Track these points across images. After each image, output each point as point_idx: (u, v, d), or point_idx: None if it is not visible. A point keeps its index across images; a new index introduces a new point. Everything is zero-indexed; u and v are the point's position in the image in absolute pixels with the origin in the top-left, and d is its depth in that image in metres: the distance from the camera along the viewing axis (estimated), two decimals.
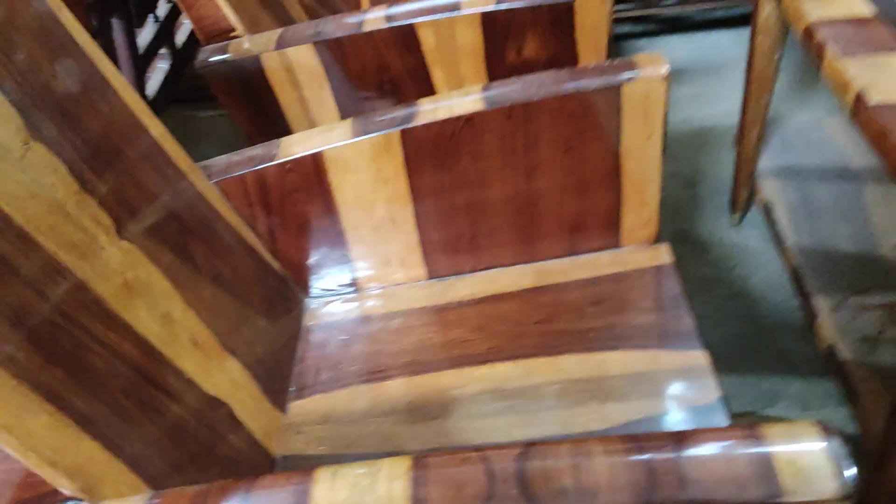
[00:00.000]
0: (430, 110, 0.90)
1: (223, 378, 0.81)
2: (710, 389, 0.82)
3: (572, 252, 1.02)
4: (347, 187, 0.94)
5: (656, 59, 0.89)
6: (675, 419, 0.81)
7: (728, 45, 2.00)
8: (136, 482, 0.64)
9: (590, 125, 0.91)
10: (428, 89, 1.17)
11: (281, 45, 1.13)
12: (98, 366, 0.66)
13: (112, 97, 0.79)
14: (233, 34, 1.18)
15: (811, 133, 1.46)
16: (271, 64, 1.15)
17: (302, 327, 1.01)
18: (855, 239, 1.23)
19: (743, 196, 1.42)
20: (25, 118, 0.67)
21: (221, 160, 0.95)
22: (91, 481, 0.60)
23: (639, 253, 1.00)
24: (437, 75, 1.16)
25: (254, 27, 1.21)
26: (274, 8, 1.31)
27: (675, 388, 0.83)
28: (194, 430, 0.74)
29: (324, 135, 0.92)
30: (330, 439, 0.86)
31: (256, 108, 1.20)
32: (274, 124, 1.22)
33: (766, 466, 0.48)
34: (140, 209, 0.78)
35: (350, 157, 0.92)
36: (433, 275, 1.03)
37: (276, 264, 0.99)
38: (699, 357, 0.85)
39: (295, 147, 0.92)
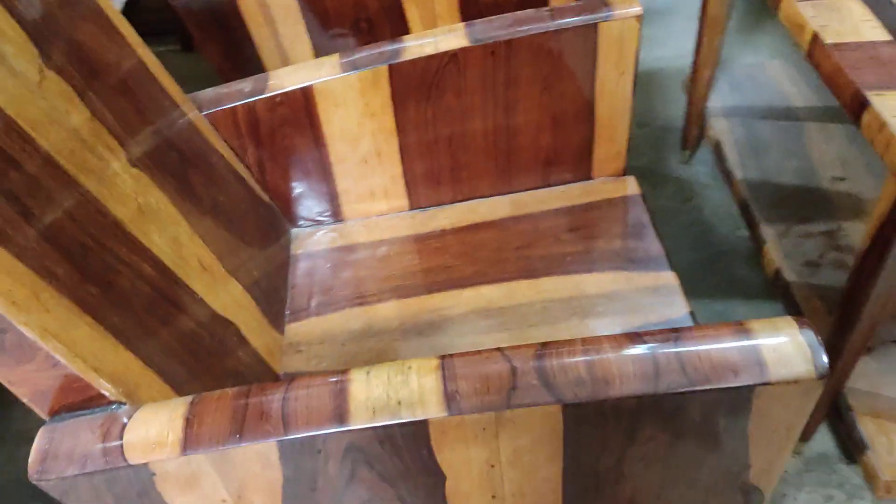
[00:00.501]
0: (416, 46, 0.94)
1: (228, 299, 0.85)
2: (679, 305, 0.90)
3: (546, 184, 1.08)
4: (335, 121, 0.98)
5: None
6: None
7: None
8: (166, 389, 0.68)
9: (567, 62, 0.96)
10: (402, 28, 1.20)
11: None
12: (123, 284, 0.69)
13: (109, 27, 0.81)
14: None
15: (756, 75, 1.55)
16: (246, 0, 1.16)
17: (290, 256, 1.05)
18: (797, 173, 1.32)
19: (694, 134, 1.50)
20: (38, 46, 0.68)
21: (209, 93, 0.97)
22: (130, 387, 0.64)
23: (608, 184, 1.07)
24: (412, 14, 1.19)
25: None
26: None
27: (648, 304, 0.91)
28: (208, 345, 0.78)
29: (313, 69, 0.95)
30: (329, 357, 0.91)
31: (229, 44, 1.22)
32: (247, 60, 1.23)
33: (755, 354, 0.56)
34: (143, 138, 0.80)
35: (339, 92, 0.95)
36: (415, 206, 1.08)
37: (264, 195, 1.03)
38: (668, 277, 0.93)
39: (284, 81, 0.95)
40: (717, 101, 1.50)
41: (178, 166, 0.85)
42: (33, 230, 0.60)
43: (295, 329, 0.95)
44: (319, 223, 1.08)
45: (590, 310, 0.91)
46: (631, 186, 1.06)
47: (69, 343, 0.60)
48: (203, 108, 0.94)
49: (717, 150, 1.42)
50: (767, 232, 1.23)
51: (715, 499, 0.67)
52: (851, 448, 1.09)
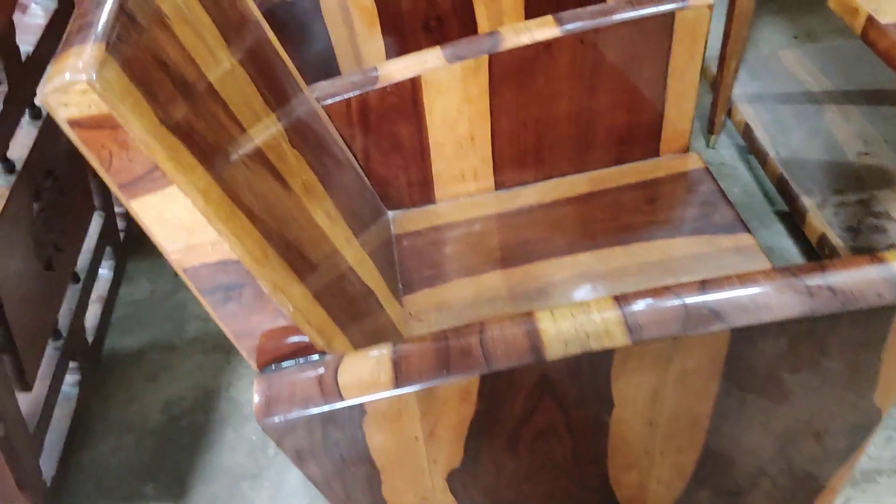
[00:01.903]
0: (514, 37, 1.04)
1: (367, 271, 0.93)
2: (762, 262, 1.00)
3: (618, 161, 1.18)
4: (437, 108, 1.07)
5: None
6: None
7: None
8: (348, 344, 0.76)
9: (645, 48, 1.07)
10: (470, 26, 1.30)
11: None
12: (311, 256, 0.77)
13: (252, 20, 0.89)
14: None
15: (771, 64, 1.67)
16: (328, 2, 1.24)
17: (391, 236, 1.13)
18: (824, 149, 1.45)
19: (720, 120, 1.62)
20: (226, 39, 0.76)
21: (322, 85, 1.05)
22: (328, 339, 0.72)
23: (675, 160, 1.18)
24: (480, 12, 1.28)
25: None
26: None
27: (734, 263, 1.01)
28: (364, 309, 0.86)
29: (419, 61, 1.04)
30: (449, 323, 1.00)
31: (305, 46, 1.29)
32: (321, 61, 1.31)
33: (893, 278, 0.66)
34: (293, 122, 0.88)
35: (443, 80, 1.04)
36: (500, 186, 1.17)
37: (366, 179, 1.11)
38: (747, 238, 1.04)
39: (394, 73, 1.04)
40: (740, 88, 1.62)
41: (316, 149, 0.93)
42: (254, 197, 0.68)
43: (411, 300, 1.03)
44: (412, 205, 1.16)
45: (682, 270, 1.01)
46: (696, 161, 1.17)
47: (291, 297, 0.68)
48: (320, 99, 1.02)
49: (747, 132, 1.54)
50: (807, 202, 1.35)
51: (842, 418, 0.77)
52: None
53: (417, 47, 1.30)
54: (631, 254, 1.05)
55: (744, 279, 0.69)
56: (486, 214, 1.14)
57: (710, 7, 1.04)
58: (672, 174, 1.16)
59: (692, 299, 0.68)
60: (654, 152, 1.18)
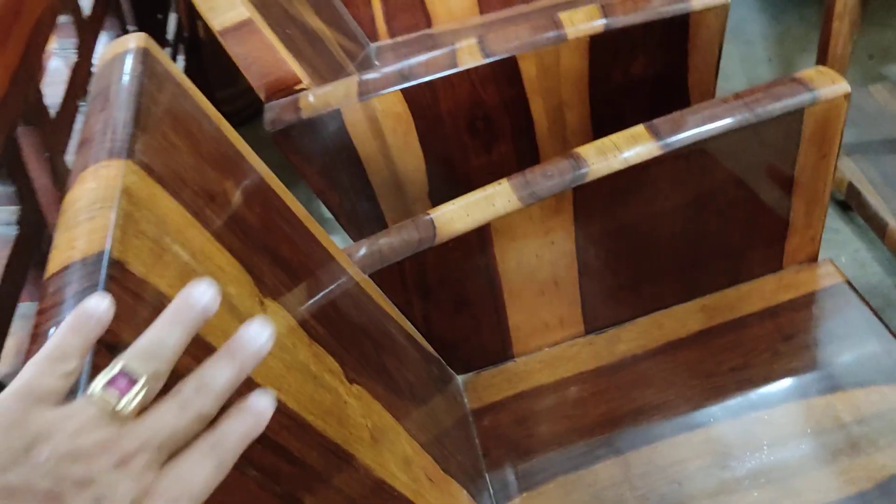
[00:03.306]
0: (601, 162, 0.81)
1: None
2: None
3: (734, 281, 0.95)
4: (511, 256, 0.84)
5: (830, 74, 0.83)
6: None
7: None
8: None
9: (766, 154, 0.84)
10: (524, 120, 1.07)
11: (364, 93, 1.01)
12: None
13: (285, 211, 0.67)
14: (298, 87, 1.04)
15: (862, 102, 1.44)
16: (353, 116, 1.02)
17: (466, 412, 0.90)
18: None
19: None
20: (251, 272, 0.54)
21: (362, 248, 0.83)
22: None
23: (803, 273, 0.95)
24: (536, 105, 1.06)
25: (315, 76, 1.08)
26: (322, 53, 1.18)
27: None
28: None
29: (484, 203, 0.82)
30: None
31: (331, 163, 1.08)
32: (351, 177, 1.10)
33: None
34: (346, 338, 0.66)
35: (517, 225, 0.82)
36: (590, 328, 0.95)
37: (429, 347, 0.89)
38: None
39: (456, 224, 0.81)
40: None
41: (375, 356, 0.71)
42: None
43: None
44: (487, 366, 0.94)
45: (858, 444, 0.78)
46: (831, 273, 0.94)
47: None
48: (366, 269, 0.80)
49: (854, 195, 1.30)
50: None
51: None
52: None
53: (463, 153, 1.09)
54: (778, 422, 0.82)
55: None
56: (581, 372, 0.91)
57: (847, 96, 0.82)
58: (805, 294, 0.93)
59: None
60: (777, 265, 0.95)
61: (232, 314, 0.49)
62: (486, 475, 0.84)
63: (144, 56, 0.55)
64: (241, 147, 0.63)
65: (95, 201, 0.44)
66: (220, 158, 0.58)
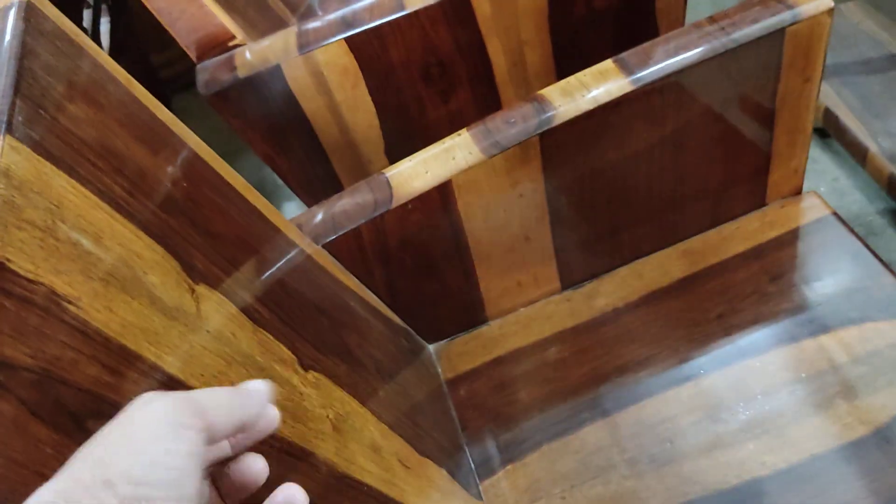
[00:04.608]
0: (568, 103, 0.74)
1: (434, 490, 0.65)
2: None
3: (715, 222, 0.89)
4: (477, 212, 0.78)
5: None
6: None
7: None
8: None
9: (745, 80, 0.77)
10: (482, 64, 1.00)
11: (304, 45, 0.92)
12: None
13: (219, 183, 0.59)
14: (232, 43, 0.95)
15: (837, 25, 1.37)
16: (294, 72, 0.93)
17: (441, 383, 0.84)
18: None
19: None
20: (177, 256, 0.47)
21: (316, 216, 0.75)
22: None
23: (788, 208, 0.89)
24: (493, 46, 0.98)
25: (250, 30, 0.99)
26: (257, 4, 1.08)
27: None
28: None
29: (444, 157, 0.75)
30: None
31: (275, 125, 0.99)
32: (299, 139, 1.01)
33: None
34: (298, 318, 0.59)
35: (481, 178, 0.75)
36: (567, 284, 0.89)
37: (397, 318, 0.82)
38: None
39: (414, 182, 0.74)
40: None
41: (333, 335, 0.64)
42: None
43: (493, 487, 0.75)
44: (460, 332, 0.88)
45: (854, 386, 0.73)
46: (818, 206, 0.88)
47: None
48: (319, 239, 0.73)
49: (831, 121, 1.25)
50: None
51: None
52: None
53: (419, 105, 1.01)
54: (769, 369, 0.77)
55: None
56: (560, 331, 0.85)
57: (830, 12, 0.75)
58: (791, 230, 0.87)
59: None
60: (760, 201, 0.89)
61: (154, 306, 0.42)
62: (466, 449, 0.78)
63: (28, 11, 0.47)
64: (160, 113, 0.55)
65: None
66: (134, 127, 0.51)
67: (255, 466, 0.35)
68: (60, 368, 0.34)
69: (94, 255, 0.39)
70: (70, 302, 0.36)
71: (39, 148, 0.40)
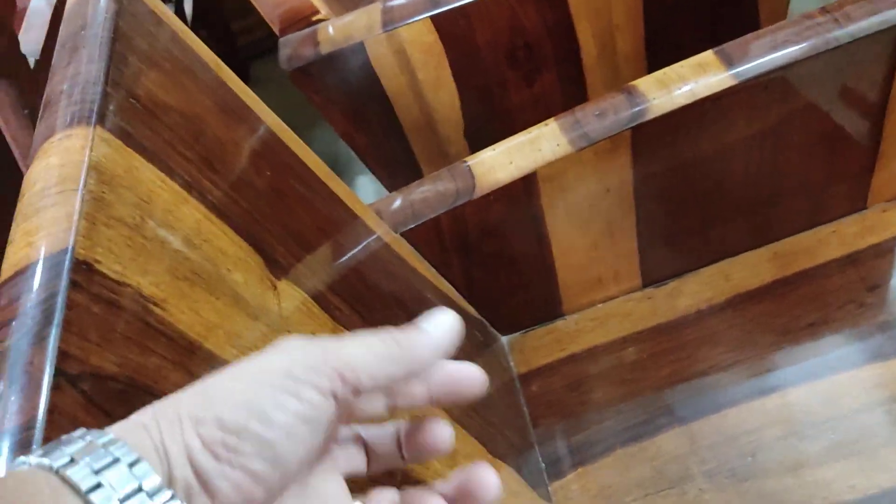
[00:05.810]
0: (663, 96, 0.70)
1: (509, 497, 0.63)
2: None
3: (811, 224, 0.85)
4: (560, 206, 0.75)
5: None
6: None
7: None
8: None
9: (857, 75, 0.72)
10: (570, 47, 0.96)
11: (388, 23, 0.90)
12: None
13: (301, 170, 0.58)
14: (316, 18, 0.93)
15: None
16: (378, 49, 0.91)
17: (513, 377, 0.83)
18: None
19: None
20: (261, 251, 0.46)
21: (395, 203, 0.74)
22: None
23: (890, 213, 0.84)
24: (583, 28, 0.94)
25: (334, 3, 0.97)
26: None
27: None
28: None
29: (530, 147, 0.72)
30: None
31: (355, 102, 0.98)
32: (379, 117, 1.00)
33: None
34: (377, 314, 0.58)
35: (567, 171, 0.72)
36: (648, 281, 0.85)
37: (471, 309, 0.80)
38: None
39: (497, 172, 0.72)
40: None
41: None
42: None
43: (563, 489, 0.73)
44: (535, 325, 0.86)
45: None
46: None
47: None
48: (397, 227, 0.71)
49: None
50: None
51: None
52: None
53: (502, 87, 0.98)
54: (866, 384, 0.72)
55: None
56: (639, 330, 0.82)
57: None
58: (893, 237, 0.82)
59: None
60: (861, 204, 0.84)
61: (237, 306, 0.41)
62: (537, 448, 0.77)
63: None
64: (246, 98, 0.54)
65: (56, 183, 0.35)
66: (221, 115, 0.49)
67: (438, 433, 0.32)
68: (145, 376, 0.33)
69: (181, 254, 0.38)
70: (156, 304, 0.35)
71: (131, 140, 0.39)
